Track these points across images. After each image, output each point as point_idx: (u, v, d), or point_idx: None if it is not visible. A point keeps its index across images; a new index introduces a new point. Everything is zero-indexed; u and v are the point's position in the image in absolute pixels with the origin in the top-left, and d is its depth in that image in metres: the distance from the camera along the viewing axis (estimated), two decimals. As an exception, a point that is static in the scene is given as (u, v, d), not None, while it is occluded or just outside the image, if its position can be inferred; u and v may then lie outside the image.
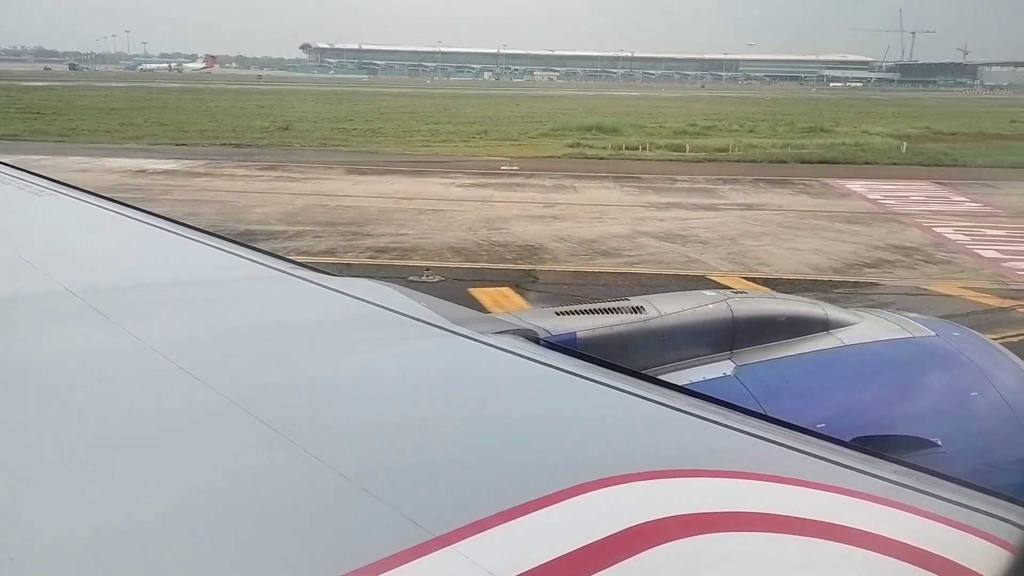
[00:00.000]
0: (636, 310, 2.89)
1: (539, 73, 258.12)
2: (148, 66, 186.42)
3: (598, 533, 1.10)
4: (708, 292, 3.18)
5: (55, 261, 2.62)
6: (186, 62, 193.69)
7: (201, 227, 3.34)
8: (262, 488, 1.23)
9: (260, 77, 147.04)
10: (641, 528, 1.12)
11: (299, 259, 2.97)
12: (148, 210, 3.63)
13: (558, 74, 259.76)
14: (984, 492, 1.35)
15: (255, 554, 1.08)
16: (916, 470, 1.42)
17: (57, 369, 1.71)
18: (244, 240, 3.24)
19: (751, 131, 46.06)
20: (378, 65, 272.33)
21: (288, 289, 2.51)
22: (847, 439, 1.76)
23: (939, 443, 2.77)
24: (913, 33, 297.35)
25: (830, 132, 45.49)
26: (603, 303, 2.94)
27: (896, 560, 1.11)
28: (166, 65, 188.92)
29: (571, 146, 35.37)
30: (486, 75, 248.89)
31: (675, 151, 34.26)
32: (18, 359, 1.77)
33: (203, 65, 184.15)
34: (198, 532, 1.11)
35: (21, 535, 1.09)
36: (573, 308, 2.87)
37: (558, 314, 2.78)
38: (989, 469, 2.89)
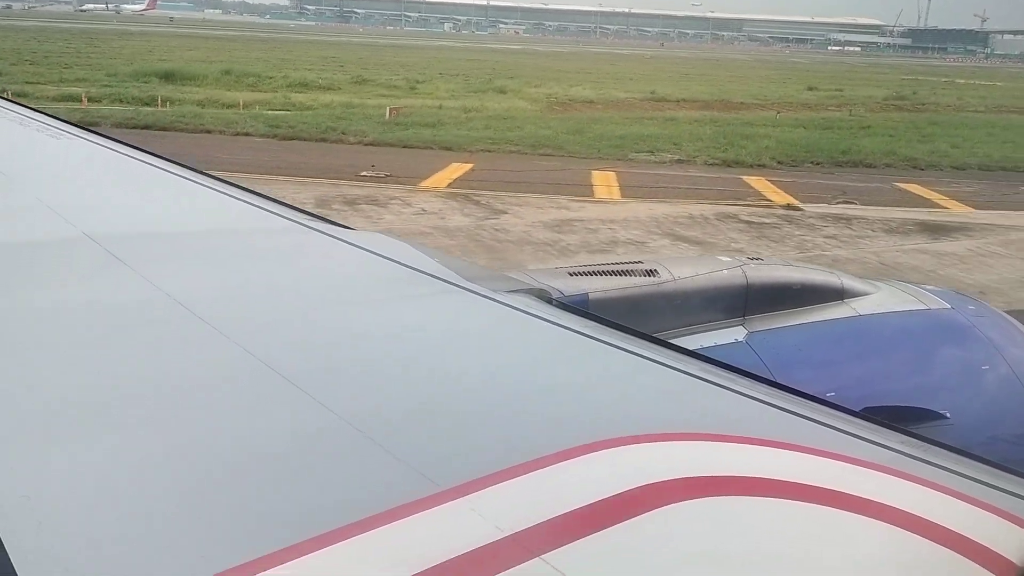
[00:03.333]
0: (650, 273, 2.87)
1: (504, 26, 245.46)
2: (88, 6, 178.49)
3: (604, 492, 1.11)
4: (723, 257, 3.13)
5: (75, 206, 2.60)
6: (125, 3, 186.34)
7: (219, 176, 3.31)
8: (277, 439, 1.25)
9: (171, 19, 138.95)
10: (648, 488, 1.12)
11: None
12: (168, 157, 3.56)
13: (524, 28, 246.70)
14: (990, 465, 1.34)
15: (269, 502, 1.09)
16: (923, 441, 1.41)
17: (77, 316, 1.72)
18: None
19: (412, 87, 36.82)
20: (358, 14, 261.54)
21: (305, 241, 2.51)
22: (857, 409, 1.73)
23: (948, 416, 2.76)
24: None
25: (504, 93, 36.19)
26: (616, 264, 2.92)
27: (900, 529, 1.12)
28: (103, 5, 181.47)
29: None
30: (446, 26, 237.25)
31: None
32: (38, 306, 1.78)
33: (143, 6, 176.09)
34: (214, 480, 1.13)
35: (42, 480, 1.11)
36: (586, 269, 2.86)
37: (571, 274, 2.77)
38: (997, 442, 2.87)
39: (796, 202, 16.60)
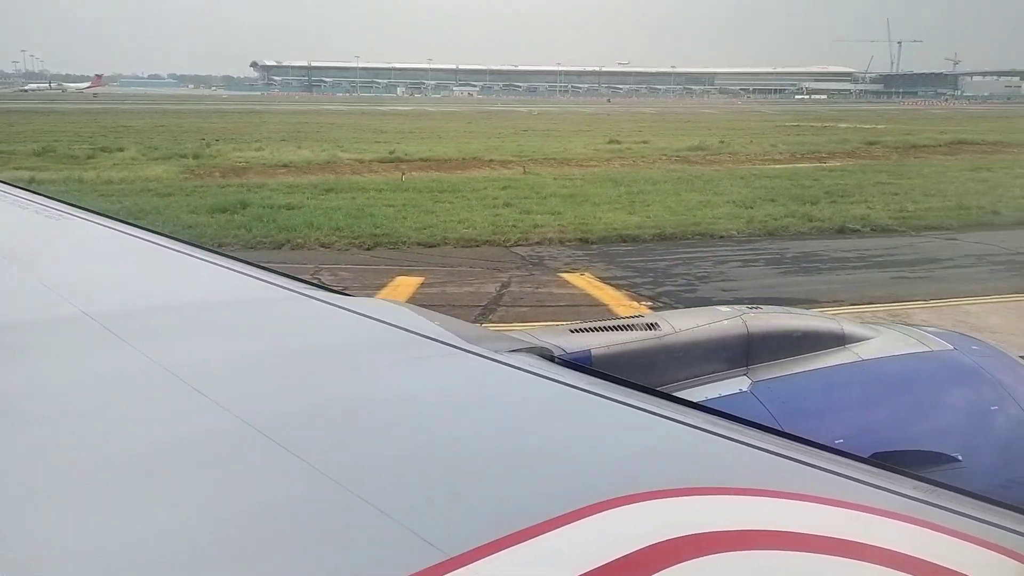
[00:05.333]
0: (650, 327, 2.87)
1: (457, 89, 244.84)
2: (31, 86, 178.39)
3: (615, 553, 1.08)
4: (723, 308, 3.12)
5: (71, 284, 2.63)
6: (72, 82, 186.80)
7: (212, 248, 3.37)
8: (278, 510, 1.23)
9: (95, 96, 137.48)
10: (659, 547, 1.10)
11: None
12: (159, 231, 3.62)
13: (477, 89, 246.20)
14: (1007, 508, 1.33)
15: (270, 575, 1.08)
16: (937, 486, 1.39)
17: (74, 393, 1.72)
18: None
19: (91, 156, 32.25)
20: (326, 82, 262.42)
21: (301, 309, 2.49)
22: (866, 455, 1.74)
23: (960, 458, 2.71)
24: (899, 43, 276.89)
25: (197, 158, 31.58)
26: (617, 320, 2.94)
27: None
28: (46, 85, 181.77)
29: None
30: (399, 91, 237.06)
31: None
32: (36, 383, 1.78)
33: (88, 85, 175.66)
34: (214, 555, 1.11)
35: (37, 559, 1.09)
36: (587, 325, 2.87)
37: (572, 331, 2.77)
38: (1012, 485, 2.80)
39: None
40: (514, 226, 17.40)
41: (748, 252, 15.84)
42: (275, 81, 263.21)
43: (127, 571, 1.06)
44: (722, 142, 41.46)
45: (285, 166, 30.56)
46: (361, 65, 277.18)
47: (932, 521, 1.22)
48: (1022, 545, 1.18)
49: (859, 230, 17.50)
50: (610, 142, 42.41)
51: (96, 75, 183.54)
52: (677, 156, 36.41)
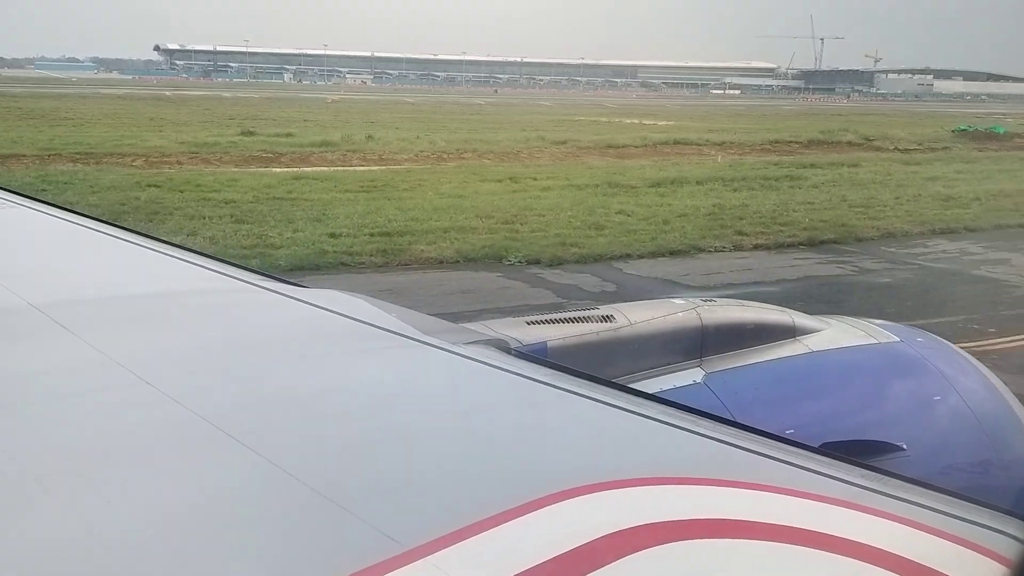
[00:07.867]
0: (606, 319, 2.87)
1: (351, 77, 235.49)
2: None
3: (572, 543, 1.09)
4: (677, 300, 3.16)
5: (16, 274, 2.55)
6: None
7: (165, 238, 3.24)
8: (232, 504, 1.21)
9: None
10: (614, 537, 1.12)
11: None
12: (110, 221, 3.47)
13: (371, 77, 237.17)
14: (949, 494, 1.36)
15: (225, 571, 1.06)
16: (883, 474, 1.42)
17: (19, 385, 1.68)
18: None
19: None
20: (232, 67, 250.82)
21: (257, 301, 2.44)
22: (815, 444, 1.78)
23: (904, 447, 2.76)
24: (822, 39, 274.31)
25: None
26: (573, 312, 2.92)
27: (865, 563, 1.13)
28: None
29: None
30: (285, 77, 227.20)
31: None
32: None
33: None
34: (165, 549, 1.09)
35: None
36: (544, 317, 2.85)
37: (529, 323, 2.75)
38: (952, 472, 2.88)
39: None
40: None
41: None
42: (177, 66, 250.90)
43: (75, 562, 1.04)
44: (369, 138, 34.40)
45: None
46: (266, 51, 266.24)
47: (879, 508, 1.24)
48: (963, 529, 1.21)
49: None
50: (245, 134, 35.07)
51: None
52: (302, 150, 30.34)
